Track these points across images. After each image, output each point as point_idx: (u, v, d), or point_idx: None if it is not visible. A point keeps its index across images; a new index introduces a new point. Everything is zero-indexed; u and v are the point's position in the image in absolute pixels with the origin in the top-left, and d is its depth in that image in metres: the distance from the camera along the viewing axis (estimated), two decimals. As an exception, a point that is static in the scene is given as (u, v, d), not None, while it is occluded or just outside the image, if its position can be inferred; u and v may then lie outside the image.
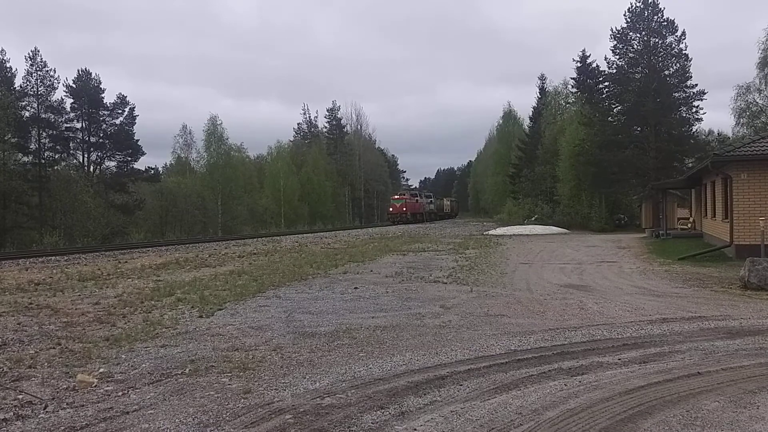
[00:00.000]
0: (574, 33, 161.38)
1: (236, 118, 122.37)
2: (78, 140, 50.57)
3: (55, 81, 46.79)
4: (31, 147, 45.27)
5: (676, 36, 40.34)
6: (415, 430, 4.47)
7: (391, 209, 63.51)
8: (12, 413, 4.92)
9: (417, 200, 66.92)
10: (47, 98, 46.49)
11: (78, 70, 51.02)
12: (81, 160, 51.50)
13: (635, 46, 41.41)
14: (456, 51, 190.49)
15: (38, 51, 45.73)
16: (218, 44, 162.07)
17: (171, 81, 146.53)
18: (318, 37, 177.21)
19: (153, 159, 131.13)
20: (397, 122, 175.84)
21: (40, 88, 45.89)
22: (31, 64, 45.60)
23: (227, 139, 58.48)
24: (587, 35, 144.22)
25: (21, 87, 45.13)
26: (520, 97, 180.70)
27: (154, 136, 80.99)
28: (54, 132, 47.86)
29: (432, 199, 77.47)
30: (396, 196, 66.12)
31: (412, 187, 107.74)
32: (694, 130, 42.64)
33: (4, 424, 4.70)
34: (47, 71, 46.01)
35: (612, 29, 41.50)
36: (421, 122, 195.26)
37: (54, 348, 7.14)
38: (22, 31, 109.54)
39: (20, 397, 5.35)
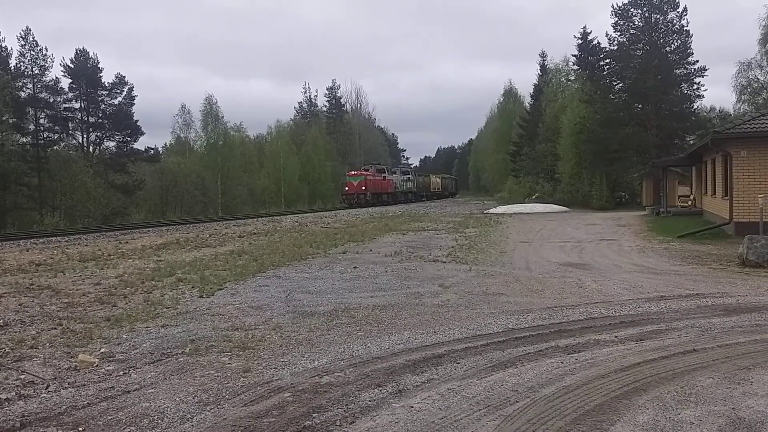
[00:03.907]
0: (562, 9, 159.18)
1: (229, 97, 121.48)
2: (77, 120, 50.31)
3: (49, 60, 46.43)
4: (29, 127, 45.05)
5: (678, 12, 39.91)
6: (412, 407, 4.52)
7: (346, 188, 50.59)
8: (14, 393, 4.99)
9: (384, 177, 54.24)
10: (41, 78, 46.16)
11: (76, 50, 50.61)
12: (80, 141, 51.32)
13: (636, 23, 40.96)
14: (444, 27, 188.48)
15: (30, 30, 45.23)
16: (203, 23, 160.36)
17: (158, 60, 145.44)
18: (306, 15, 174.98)
19: (149, 139, 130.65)
20: (393, 100, 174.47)
21: (34, 68, 45.53)
22: (23, 44, 45.18)
23: (222, 117, 58.38)
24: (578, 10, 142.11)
25: (16, 67, 44.80)
26: (515, 73, 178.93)
27: (146, 116, 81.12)
28: (52, 112, 47.61)
29: (410, 176, 65.36)
30: (353, 173, 52.77)
31: (412, 164, 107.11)
32: (695, 107, 42.45)
33: (7, 403, 4.76)
34: (40, 50, 45.58)
35: (613, 5, 41.09)
36: (418, 100, 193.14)
37: (55, 328, 7.20)
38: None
39: (22, 377, 5.41)
